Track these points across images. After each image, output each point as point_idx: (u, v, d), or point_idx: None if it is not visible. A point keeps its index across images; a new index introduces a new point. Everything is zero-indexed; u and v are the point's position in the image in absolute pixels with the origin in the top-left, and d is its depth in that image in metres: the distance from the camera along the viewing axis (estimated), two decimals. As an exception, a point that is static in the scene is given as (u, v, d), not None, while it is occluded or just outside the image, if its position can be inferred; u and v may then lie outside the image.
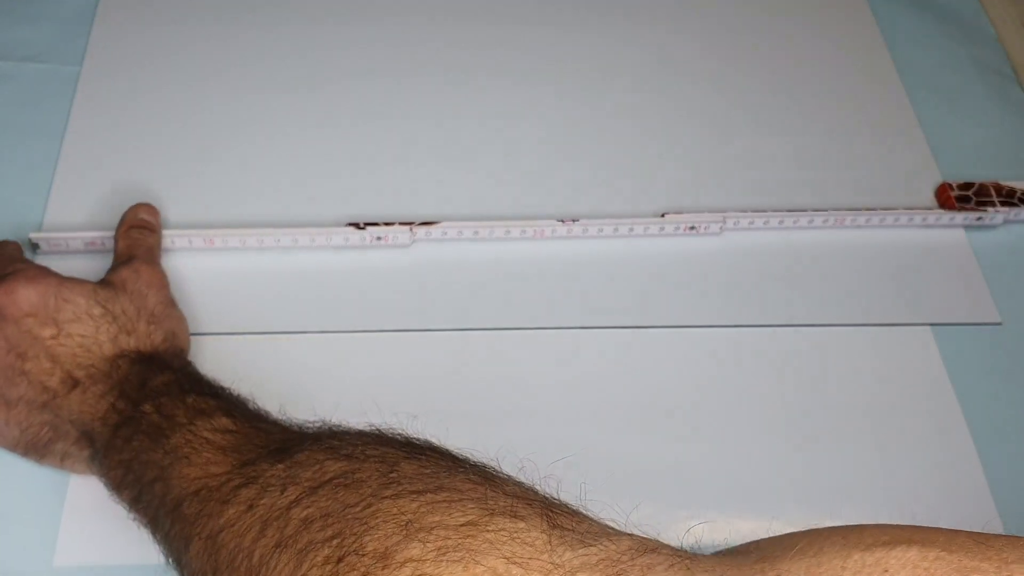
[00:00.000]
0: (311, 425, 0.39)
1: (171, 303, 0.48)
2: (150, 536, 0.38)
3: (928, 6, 0.72)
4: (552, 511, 0.30)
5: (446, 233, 0.54)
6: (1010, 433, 0.52)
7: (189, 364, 0.45)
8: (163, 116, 0.59)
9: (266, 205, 0.55)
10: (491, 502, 0.30)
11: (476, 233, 0.54)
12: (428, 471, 0.33)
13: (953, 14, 0.72)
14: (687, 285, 0.55)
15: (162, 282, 0.48)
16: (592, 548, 0.28)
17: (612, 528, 0.31)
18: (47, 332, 0.42)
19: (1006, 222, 0.59)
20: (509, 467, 0.34)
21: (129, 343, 0.43)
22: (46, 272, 0.44)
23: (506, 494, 0.31)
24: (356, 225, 0.53)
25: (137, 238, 0.50)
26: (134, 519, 0.39)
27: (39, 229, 0.52)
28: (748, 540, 0.45)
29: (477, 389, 0.50)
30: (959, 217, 0.58)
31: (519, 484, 0.33)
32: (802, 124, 0.64)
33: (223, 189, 0.56)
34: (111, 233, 0.51)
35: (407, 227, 0.53)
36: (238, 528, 0.33)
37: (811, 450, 0.50)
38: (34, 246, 0.51)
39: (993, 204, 0.59)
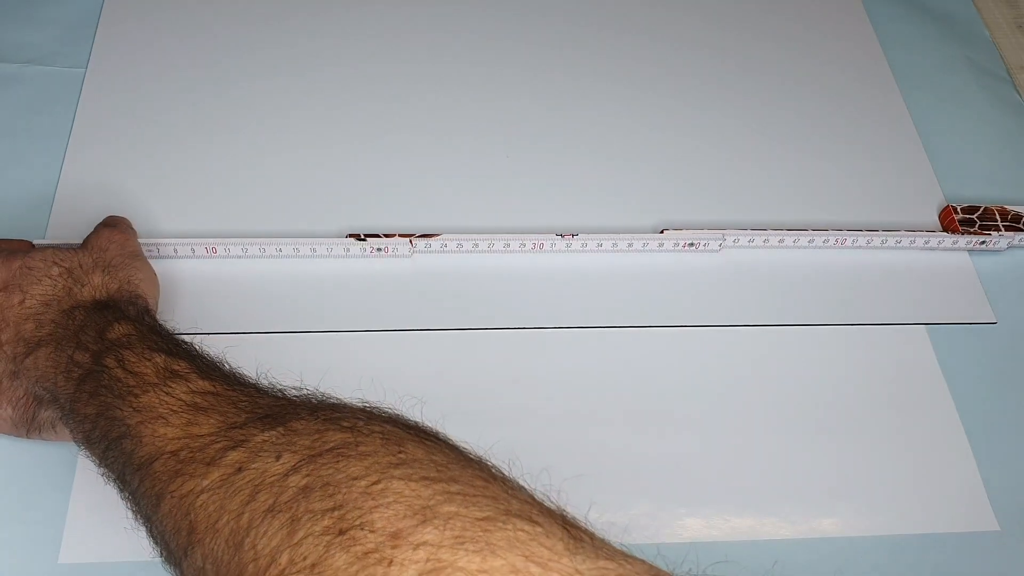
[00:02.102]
0: (295, 391, 0.41)
1: (134, 255, 0.51)
2: (117, 492, 0.40)
3: (923, 9, 0.78)
4: (567, 522, 0.32)
5: (446, 245, 0.58)
6: (1004, 431, 0.56)
7: (147, 312, 0.47)
8: (167, 120, 0.63)
9: (269, 214, 0.60)
10: (505, 503, 0.32)
11: (476, 246, 0.59)
12: (438, 459, 0.34)
13: (948, 17, 0.78)
14: (686, 297, 0.60)
15: (125, 238, 0.51)
16: (611, 563, 0.30)
17: (623, 550, 0.33)
18: (15, 300, 0.46)
19: (1010, 247, 0.64)
20: (511, 463, 0.37)
21: (83, 293, 0.46)
22: (18, 247, 0.49)
23: (520, 499, 0.33)
24: (356, 236, 0.57)
25: (101, 222, 0.54)
26: (102, 474, 0.41)
27: (43, 235, 0.57)
28: (745, 537, 0.50)
29: (476, 389, 0.54)
30: (962, 240, 0.63)
31: (529, 491, 0.35)
32: (802, 139, 0.68)
33: (226, 196, 0.60)
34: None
35: (407, 239, 0.58)
36: (224, 490, 0.34)
37: (807, 448, 0.54)
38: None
39: (998, 228, 0.63)
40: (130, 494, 0.39)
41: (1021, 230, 0.63)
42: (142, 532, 0.42)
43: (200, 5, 0.70)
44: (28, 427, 0.47)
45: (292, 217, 0.60)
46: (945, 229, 0.64)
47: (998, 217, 0.64)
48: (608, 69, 0.71)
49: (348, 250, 0.57)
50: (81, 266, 0.48)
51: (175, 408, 0.39)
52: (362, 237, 0.57)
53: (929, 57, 0.75)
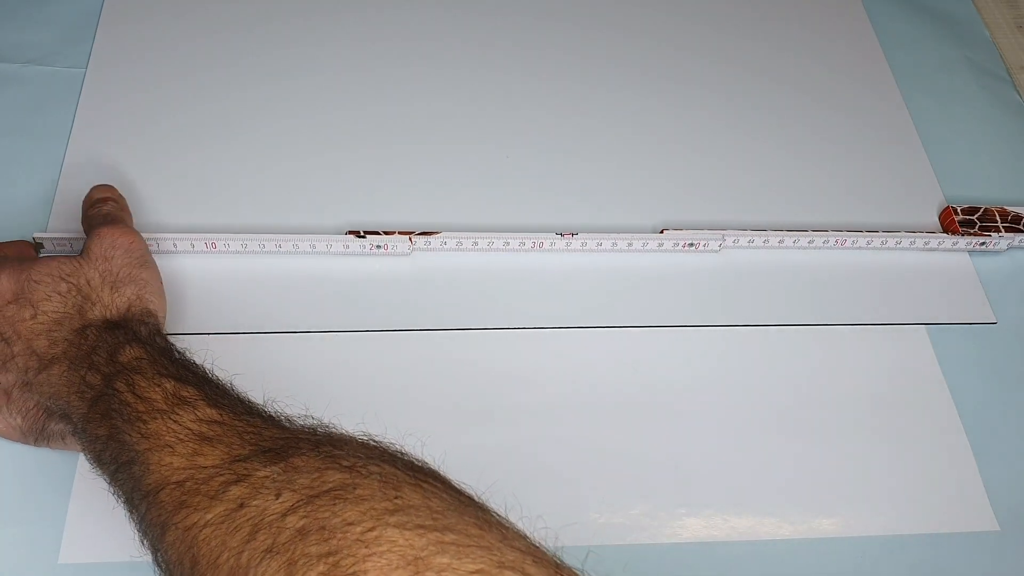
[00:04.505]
0: (300, 421, 0.41)
1: (139, 263, 0.50)
2: (125, 514, 0.41)
3: (923, 9, 0.78)
4: (562, 573, 0.33)
5: (445, 243, 0.58)
6: (1004, 431, 0.57)
7: (158, 333, 0.47)
8: (167, 119, 0.64)
9: (268, 210, 0.60)
10: (499, 554, 0.32)
11: (475, 244, 0.59)
12: (434, 505, 0.35)
13: (948, 17, 0.78)
14: (686, 297, 0.60)
15: (128, 240, 0.51)
16: None
17: None
18: (26, 314, 0.46)
19: (1010, 248, 0.64)
20: (507, 499, 0.38)
21: (95, 312, 0.46)
22: (22, 258, 0.49)
23: (515, 548, 0.33)
24: (356, 233, 0.57)
25: (94, 213, 0.54)
26: (113, 493, 0.42)
27: (44, 229, 0.57)
28: (745, 537, 0.51)
29: (473, 388, 0.54)
30: (962, 242, 0.63)
31: (525, 538, 0.35)
32: (802, 139, 0.69)
33: (226, 193, 0.60)
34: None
35: (407, 236, 0.58)
36: (226, 526, 0.35)
37: (807, 448, 0.54)
38: (38, 245, 0.56)
39: (998, 229, 0.63)
40: (138, 519, 0.40)
41: (1021, 231, 0.63)
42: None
43: (200, 5, 0.70)
44: (36, 436, 0.48)
45: (292, 213, 0.60)
46: (945, 230, 0.64)
47: (998, 218, 0.64)
48: (608, 69, 0.71)
49: (348, 247, 0.57)
50: (89, 283, 0.48)
51: (182, 437, 0.39)
52: (362, 234, 0.57)
53: (929, 57, 0.75)
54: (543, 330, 0.57)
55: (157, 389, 0.41)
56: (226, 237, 0.56)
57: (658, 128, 0.68)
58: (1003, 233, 0.63)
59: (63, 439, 0.48)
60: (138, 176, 0.61)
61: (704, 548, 0.50)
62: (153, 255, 0.53)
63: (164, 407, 0.41)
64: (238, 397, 0.43)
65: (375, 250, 0.58)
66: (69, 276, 0.48)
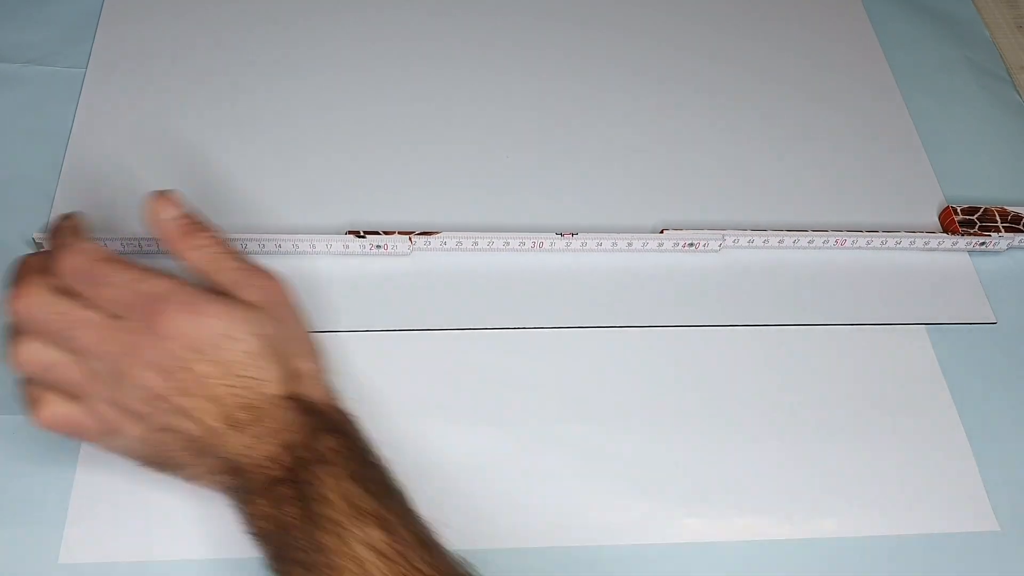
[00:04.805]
0: (462, 560, 0.42)
1: (307, 325, 0.48)
2: None
3: (923, 9, 0.78)
4: None
5: (445, 243, 0.58)
6: (1004, 431, 0.57)
7: (357, 431, 0.46)
8: (167, 119, 0.64)
9: (269, 210, 0.60)
10: None
11: (475, 244, 0.59)
12: None
13: (948, 17, 0.78)
14: (686, 297, 0.60)
15: (291, 296, 0.48)
16: None
17: None
18: (210, 370, 0.43)
19: (1010, 248, 0.64)
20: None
21: (291, 387, 0.45)
22: (200, 298, 0.44)
23: None
24: (356, 233, 0.57)
25: (211, 247, 0.47)
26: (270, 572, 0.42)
27: (44, 229, 0.57)
28: (745, 537, 0.51)
29: (473, 388, 0.54)
30: (962, 242, 0.63)
31: None
32: (802, 139, 0.68)
33: (226, 193, 0.60)
34: (115, 235, 0.55)
35: (407, 236, 0.58)
36: None
37: (807, 448, 0.54)
38: (38, 246, 0.56)
39: (998, 229, 0.63)
40: None
41: (1021, 231, 0.63)
42: (140, 532, 0.44)
43: (200, 5, 0.70)
44: (149, 464, 0.46)
45: (292, 213, 0.60)
46: (945, 230, 0.64)
47: (998, 218, 0.64)
48: (608, 69, 0.71)
49: (347, 247, 0.57)
50: (286, 352, 0.45)
51: (347, 562, 0.40)
52: (362, 234, 0.57)
53: (929, 57, 0.75)
54: (543, 330, 0.57)
55: (337, 490, 0.42)
56: (226, 237, 0.56)
57: (658, 128, 0.68)
58: (1003, 233, 0.63)
59: (187, 478, 0.46)
60: (138, 176, 0.60)
61: (704, 548, 0.50)
62: (153, 256, 0.52)
63: (341, 518, 0.41)
64: (408, 514, 0.43)
65: (375, 250, 0.58)
66: (273, 343, 0.44)
